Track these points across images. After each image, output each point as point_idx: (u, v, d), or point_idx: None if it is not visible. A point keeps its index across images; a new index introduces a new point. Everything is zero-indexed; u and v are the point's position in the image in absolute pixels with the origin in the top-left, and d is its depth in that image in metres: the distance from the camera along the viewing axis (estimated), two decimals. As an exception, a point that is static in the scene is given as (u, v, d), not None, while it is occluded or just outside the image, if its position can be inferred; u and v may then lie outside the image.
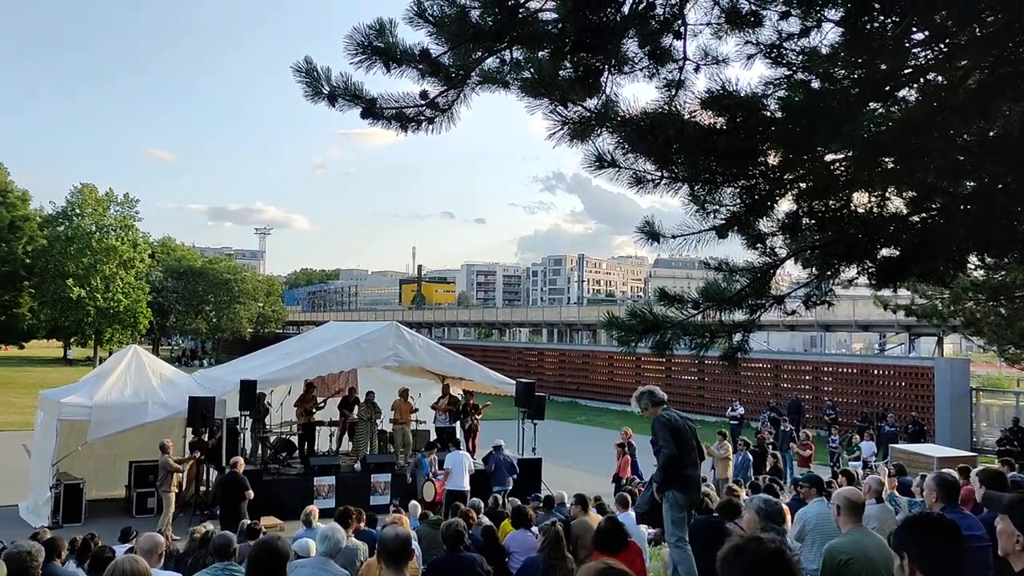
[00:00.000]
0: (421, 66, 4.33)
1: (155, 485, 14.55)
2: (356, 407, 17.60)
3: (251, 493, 12.61)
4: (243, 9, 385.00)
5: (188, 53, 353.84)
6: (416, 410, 17.92)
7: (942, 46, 4.39)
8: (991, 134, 4.63)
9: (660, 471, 6.73)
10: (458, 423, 18.54)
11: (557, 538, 6.75)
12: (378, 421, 17.52)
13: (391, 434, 17.95)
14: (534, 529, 8.37)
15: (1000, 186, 4.91)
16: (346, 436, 17.97)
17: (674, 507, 6.70)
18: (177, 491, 14.32)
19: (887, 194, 5.26)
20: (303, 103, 4.28)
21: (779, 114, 4.34)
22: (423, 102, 4.48)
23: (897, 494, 10.02)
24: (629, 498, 9.87)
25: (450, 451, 15.50)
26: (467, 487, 14.24)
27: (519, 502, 10.74)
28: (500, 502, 11.93)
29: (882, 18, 4.29)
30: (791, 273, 6.70)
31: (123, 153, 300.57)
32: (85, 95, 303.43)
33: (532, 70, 4.23)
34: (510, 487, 15.06)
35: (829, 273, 5.68)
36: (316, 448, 17.20)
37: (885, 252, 5.54)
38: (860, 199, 5.28)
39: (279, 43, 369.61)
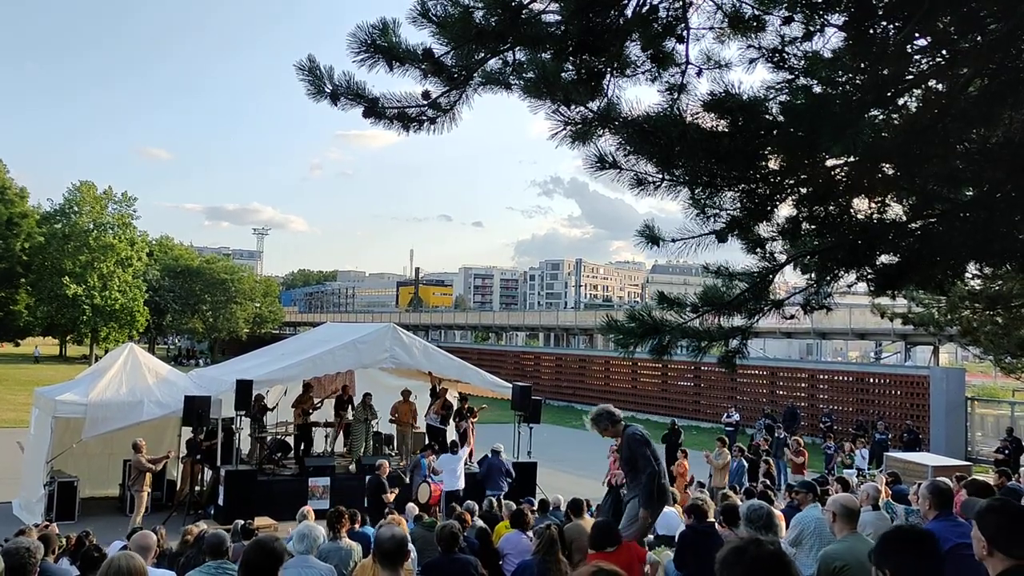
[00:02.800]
0: (424, 66, 4.33)
1: (127, 484, 14.53)
2: (350, 407, 17.57)
3: (390, 496, 13.00)
4: (241, 11, 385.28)
5: (186, 54, 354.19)
6: (416, 415, 17.92)
7: (944, 52, 4.39)
8: (992, 141, 4.64)
9: (646, 493, 6.60)
10: (451, 426, 18.54)
11: (551, 541, 6.73)
12: (374, 423, 17.51)
13: (391, 435, 17.94)
14: (529, 532, 8.36)
15: (1000, 194, 4.92)
16: (340, 437, 17.96)
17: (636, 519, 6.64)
18: (150, 490, 14.35)
19: (887, 200, 5.26)
20: (300, 103, 4.35)
21: (781, 118, 4.35)
22: (425, 102, 4.48)
23: (893, 502, 10.03)
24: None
25: (445, 453, 15.53)
26: (460, 486, 14.28)
27: (515, 505, 10.73)
28: (495, 505, 11.92)
29: (884, 23, 4.29)
30: (788, 280, 6.70)
31: (120, 152, 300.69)
32: (84, 95, 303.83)
33: (535, 71, 4.23)
34: (504, 491, 15.04)
35: (828, 278, 5.68)
36: (312, 449, 17.18)
37: (884, 258, 5.53)
38: (860, 205, 5.28)
39: (277, 44, 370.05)
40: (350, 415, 17.52)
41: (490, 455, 15.56)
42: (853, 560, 4.86)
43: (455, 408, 18.43)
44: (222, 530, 6.73)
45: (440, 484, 14.37)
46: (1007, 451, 19.42)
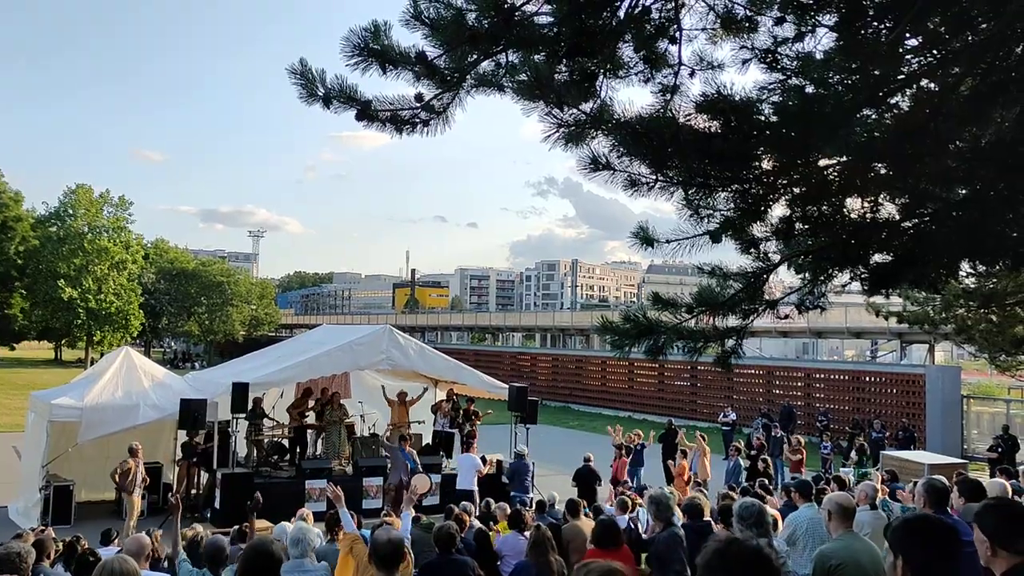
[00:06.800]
0: (417, 68, 4.33)
1: (121, 488, 14.48)
2: (312, 407, 17.53)
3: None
4: (235, 14, 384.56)
5: (180, 56, 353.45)
6: (414, 422, 17.90)
7: (935, 52, 4.41)
8: (983, 141, 4.65)
9: None
10: (456, 429, 18.56)
11: (539, 541, 6.74)
12: (371, 425, 17.49)
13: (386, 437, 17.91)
14: (527, 533, 8.36)
15: (992, 192, 4.93)
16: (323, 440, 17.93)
17: None
18: (144, 493, 14.31)
19: (880, 200, 5.28)
20: (293, 105, 4.36)
21: (773, 119, 4.35)
22: (418, 104, 4.49)
23: (890, 500, 10.06)
24: (629, 502, 9.96)
25: (466, 454, 15.69)
26: (474, 487, 14.32)
27: (506, 505, 10.75)
28: (492, 506, 11.92)
29: (876, 24, 4.31)
30: (783, 280, 6.72)
31: (114, 154, 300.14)
32: (77, 97, 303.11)
33: (528, 73, 4.23)
34: (530, 491, 15.04)
35: (822, 278, 5.69)
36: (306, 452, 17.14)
37: (878, 258, 5.55)
38: (853, 204, 5.29)
39: (270, 47, 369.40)
40: (326, 416, 17.50)
41: (514, 458, 15.54)
42: (848, 559, 4.88)
43: (461, 409, 18.45)
44: (222, 536, 6.71)
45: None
46: (1000, 449, 19.41)
